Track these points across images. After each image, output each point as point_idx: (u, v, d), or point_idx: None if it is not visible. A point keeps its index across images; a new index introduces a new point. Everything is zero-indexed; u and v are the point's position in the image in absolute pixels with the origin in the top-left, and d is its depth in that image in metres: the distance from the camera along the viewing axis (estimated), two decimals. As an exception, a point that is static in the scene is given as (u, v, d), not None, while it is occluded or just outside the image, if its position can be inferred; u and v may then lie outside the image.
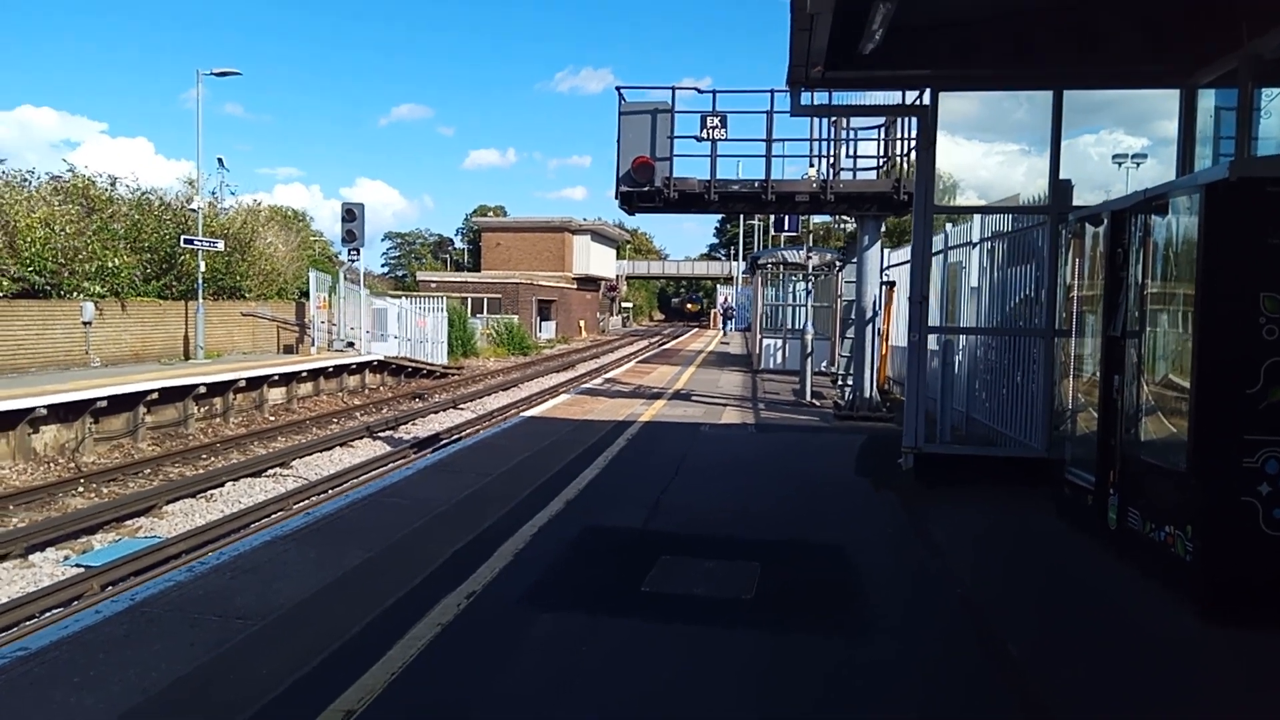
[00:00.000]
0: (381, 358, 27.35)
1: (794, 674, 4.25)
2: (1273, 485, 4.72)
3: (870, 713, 3.88)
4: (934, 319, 12.98)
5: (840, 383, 16.12)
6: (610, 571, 5.74)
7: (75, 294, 20.96)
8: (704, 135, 13.19)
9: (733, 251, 76.79)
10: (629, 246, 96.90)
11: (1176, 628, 4.83)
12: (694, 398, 16.22)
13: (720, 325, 58.20)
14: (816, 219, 27.12)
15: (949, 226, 13.49)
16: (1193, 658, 4.52)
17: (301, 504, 12.45)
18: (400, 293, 43.80)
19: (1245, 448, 4.73)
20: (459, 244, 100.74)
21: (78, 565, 9.85)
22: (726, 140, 13.35)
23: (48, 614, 8.38)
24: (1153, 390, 5.55)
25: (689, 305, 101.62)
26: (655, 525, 6.91)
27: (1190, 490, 4.98)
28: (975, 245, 11.50)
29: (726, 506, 7.58)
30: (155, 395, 17.06)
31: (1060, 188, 8.27)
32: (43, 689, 3.82)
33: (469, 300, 49.25)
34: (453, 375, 30.56)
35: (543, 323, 56.22)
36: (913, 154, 11.68)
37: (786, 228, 26.12)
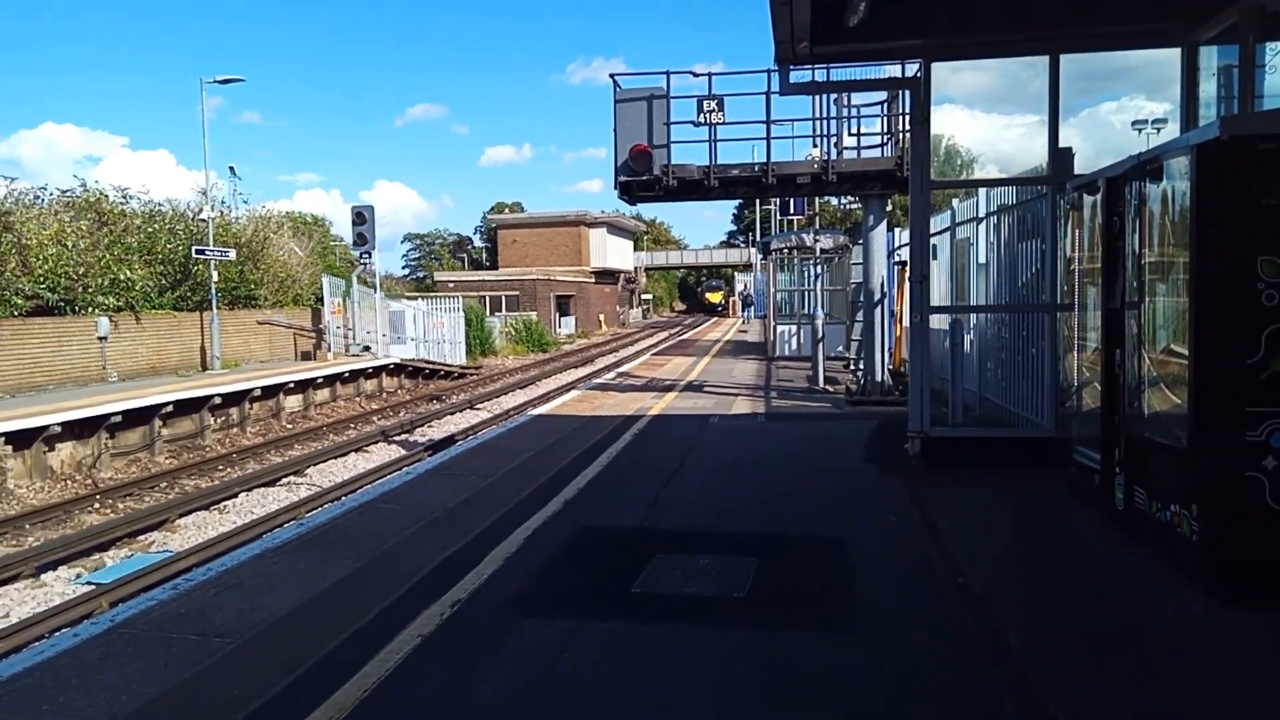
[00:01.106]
0: (399, 360, 27.40)
1: (781, 673, 4.11)
2: (1278, 459, 4.49)
3: (861, 708, 3.73)
4: (943, 297, 12.77)
5: (853, 367, 15.91)
6: (602, 573, 5.62)
7: (90, 309, 21.12)
8: (701, 120, 13.02)
9: (751, 238, 76.33)
10: (647, 238, 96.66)
11: (1182, 611, 4.63)
12: (706, 389, 16.06)
13: (741, 313, 57.93)
14: (833, 200, 26.71)
15: (956, 202, 13.22)
16: (1198, 642, 4.32)
17: (313, 512, 12.44)
18: (419, 294, 43.93)
19: (1248, 420, 4.51)
20: (478, 242, 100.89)
21: (88, 583, 9.89)
22: (725, 124, 13.18)
23: (58, 634, 8.40)
24: (1154, 363, 5.33)
25: (707, 295, 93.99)
26: (652, 523, 6.78)
27: (1193, 467, 4.77)
28: (981, 220, 11.24)
29: (727, 501, 7.44)
30: (170, 408, 17.16)
31: (1060, 156, 8.01)
32: (8, 718, 3.76)
33: (487, 299, 49.32)
34: (471, 375, 30.59)
35: (562, 318, 56.19)
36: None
37: (792, 211, 25.80)
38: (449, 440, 17.58)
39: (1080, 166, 7.91)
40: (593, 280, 65.60)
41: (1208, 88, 7.82)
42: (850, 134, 14.07)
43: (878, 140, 14.41)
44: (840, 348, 19.57)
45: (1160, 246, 5.27)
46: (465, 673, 4.16)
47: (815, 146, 14.84)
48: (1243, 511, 4.54)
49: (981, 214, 11.23)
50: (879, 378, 13.46)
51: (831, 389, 15.07)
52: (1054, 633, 4.50)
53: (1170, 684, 3.89)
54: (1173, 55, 7.96)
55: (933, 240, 10.85)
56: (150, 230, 25.17)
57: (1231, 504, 4.58)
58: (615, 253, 71.27)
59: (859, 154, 14.10)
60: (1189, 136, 5.17)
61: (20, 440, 14.13)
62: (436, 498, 7.62)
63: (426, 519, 6.93)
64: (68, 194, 24.68)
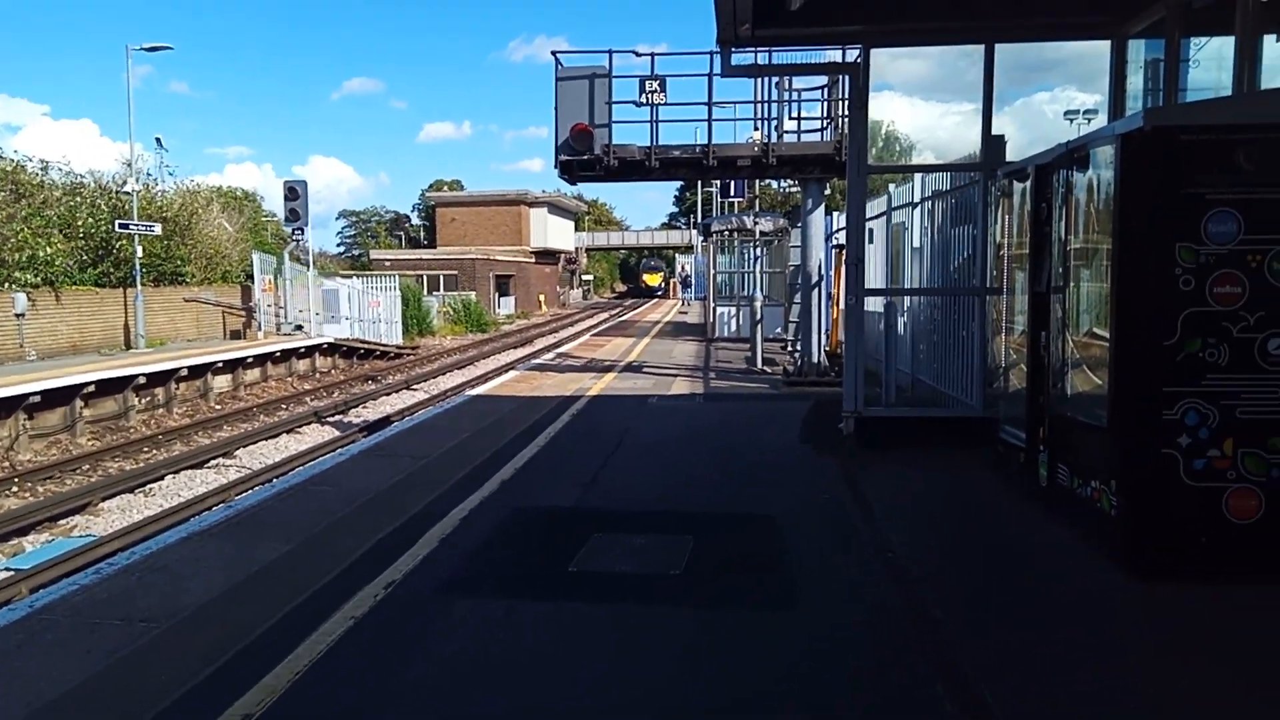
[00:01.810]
0: (332, 340, 26.88)
1: (715, 649, 4.15)
2: (1192, 437, 4.69)
3: (791, 685, 3.80)
4: (879, 280, 12.98)
5: (791, 348, 16.10)
6: (538, 553, 5.61)
7: (6, 285, 20.27)
8: (643, 100, 12.98)
9: (692, 220, 76.39)
10: (589, 218, 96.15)
11: (1102, 583, 4.81)
12: (645, 369, 16.10)
13: (681, 294, 58.07)
14: (774, 184, 26.94)
15: (892, 187, 13.42)
16: (1117, 613, 4.49)
17: (243, 495, 12.16)
18: (354, 272, 43.18)
19: (1164, 400, 4.69)
20: (415, 221, 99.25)
21: (6, 569, 9.54)
22: (666, 105, 13.17)
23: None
24: (1077, 345, 5.50)
25: (645, 276, 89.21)
26: (590, 503, 6.78)
27: (1112, 444, 4.95)
28: (917, 205, 11.44)
29: (665, 480, 7.48)
30: (92, 388, 16.57)
31: (993, 144, 8.17)
32: (-86, 709, 3.61)
33: (424, 278, 48.58)
34: (408, 355, 30.17)
35: (501, 298, 55.71)
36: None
37: (733, 193, 25.95)
38: (384, 421, 17.33)
39: (1015, 154, 8.08)
40: (533, 260, 65.10)
41: (1135, 80, 8.06)
42: (791, 118, 14.19)
43: (818, 125, 14.56)
44: (779, 329, 19.78)
45: (1085, 233, 5.43)
46: (399, 653, 4.12)
47: (756, 130, 14.93)
48: (1159, 487, 4.73)
49: (917, 199, 11.43)
50: (816, 359, 13.65)
51: (769, 370, 15.23)
52: (978, 605, 4.65)
53: (1089, 652, 4.04)
54: (1103, 48, 8.18)
55: (869, 224, 11.03)
56: (71, 203, 24.24)
57: (1148, 480, 4.76)
58: (556, 233, 70.81)
59: (799, 138, 14.22)
60: (1114, 126, 5.32)
61: (-70, 421, 13.53)
62: (371, 479, 7.51)
63: (360, 501, 6.83)
64: (-19, 164, 23.63)
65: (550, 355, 20.50)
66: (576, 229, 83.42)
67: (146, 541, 5.98)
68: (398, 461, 8.21)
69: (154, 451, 15.33)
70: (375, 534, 5.91)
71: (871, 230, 12.64)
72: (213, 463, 14.42)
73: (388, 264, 51.06)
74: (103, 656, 4.12)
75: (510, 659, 4.08)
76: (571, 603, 4.77)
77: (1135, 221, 4.76)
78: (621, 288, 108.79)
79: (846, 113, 13.68)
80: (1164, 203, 4.65)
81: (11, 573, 9.24)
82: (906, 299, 11.68)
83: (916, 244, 11.47)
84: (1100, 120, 9.19)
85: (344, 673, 3.95)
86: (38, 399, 15.25)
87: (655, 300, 67.18)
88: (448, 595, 4.85)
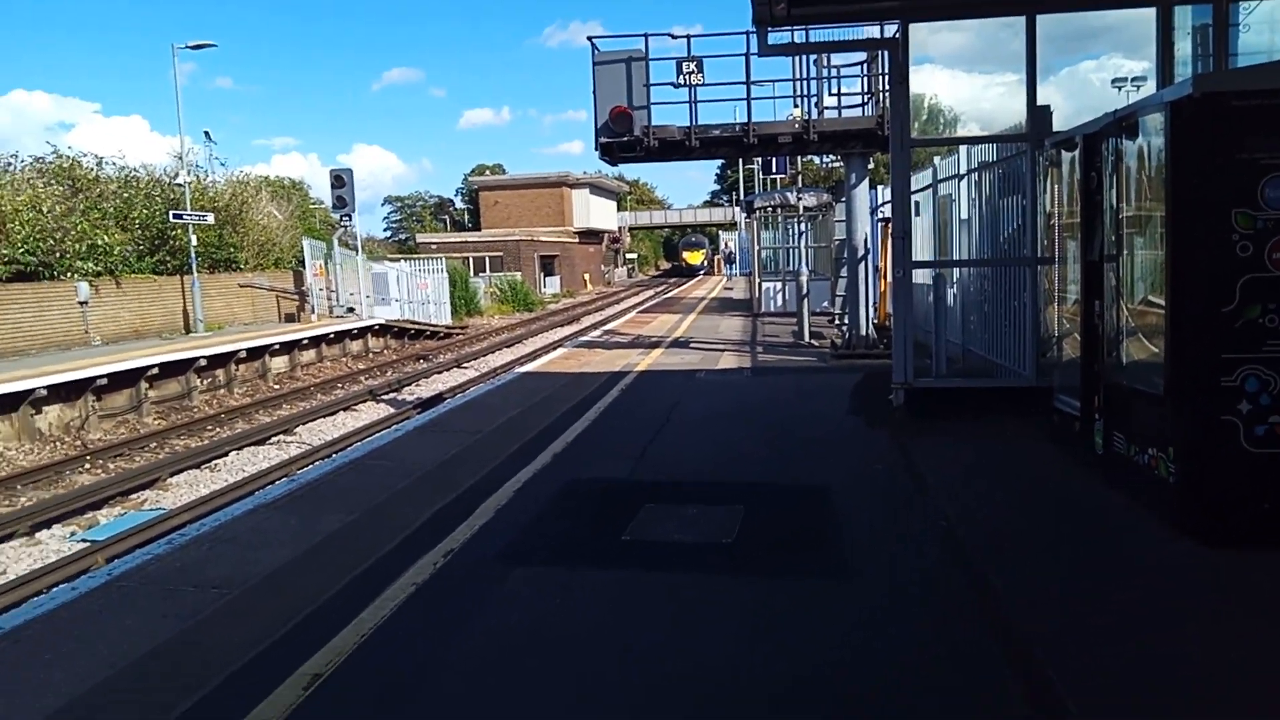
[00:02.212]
0: (383, 321, 27.32)
1: (769, 618, 4.22)
2: (1252, 403, 4.61)
3: (844, 654, 3.85)
4: (927, 253, 12.85)
5: (838, 322, 16.02)
6: (592, 523, 5.72)
7: (69, 274, 20.94)
8: (681, 81, 12.96)
9: (734, 197, 75.81)
10: (630, 198, 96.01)
11: (1161, 551, 4.77)
12: (692, 344, 16.14)
13: (725, 271, 57.83)
14: (816, 159, 26.60)
15: (938, 160, 13.25)
16: (1176, 580, 4.45)
17: (304, 470, 12.50)
18: (401, 256, 43.72)
19: (1223, 366, 4.62)
20: (459, 204, 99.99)
21: (83, 540, 9.96)
22: (704, 85, 13.15)
23: (55, 589, 8.47)
24: (1132, 313, 5.43)
25: (685, 254, 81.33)
26: (641, 475, 6.88)
27: (1170, 411, 4.89)
28: (963, 177, 11.29)
29: (714, 452, 7.55)
30: (156, 370, 17.09)
31: (1038, 114, 8.03)
32: (11, 668, 3.84)
33: (470, 260, 49.03)
34: (457, 335, 30.55)
35: (546, 278, 56.02)
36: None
37: (774, 170, 25.73)
38: (437, 398, 17.64)
39: (1061, 124, 7.94)
40: (576, 240, 65.31)
41: (1183, 46, 7.86)
42: (831, 94, 14.06)
43: (858, 100, 14.40)
44: (825, 303, 19.66)
45: (1137, 201, 5.35)
46: (459, 619, 4.27)
47: (796, 106, 14.82)
48: (1218, 454, 4.67)
49: (963, 171, 11.28)
50: (864, 331, 13.58)
51: (817, 343, 15.17)
52: (1036, 573, 4.63)
53: (1148, 619, 4.03)
54: (1149, 14, 7.98)
55: (915, 197, 10.93)
56: (126, 196, 24.88)
57: (1207, 447, 4.70)
58: (598, 213, 70.88)
59: (840, 114, 14.08)
60: (1163, 94, 5.22)
61: (7, 403, 14.10)
62: (426, 454, 7.69)
63: (417, 474, 7.01)
64: (40, 161, 24.33)
65: (597, 333, 20.62)
66: (619, 209, 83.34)
67: (215, 514, 6.22)
68: (452, 436, 8.39)
69: (217, 429, 15.80)
70: (433, 505, 6.08)
71: (917, 203, 12.51)
72: (274, 439, 14.82)
73: (434, 247, 51.62)
74: (178, 620, 4.33)
75: (566, 626, 4.20)
76: (625, 571, 4.87)
77: (1189, 189, 4.68)
78: (665, 265, 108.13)
79: (887, 88, 13.57)
80: (1218, 169, 4.56)
81: (88, 544, 9.65)
82: (956, 271, 11.56)
83: (964, 215, 11.33)
84: (1149, 88, 8.98)
85: (406, 637, 4.10)
86: (104, 381, 15.79)
87: (699, 278, 66.57)
88: (505, 564, 4.98)
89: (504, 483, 6.63)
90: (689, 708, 3.46)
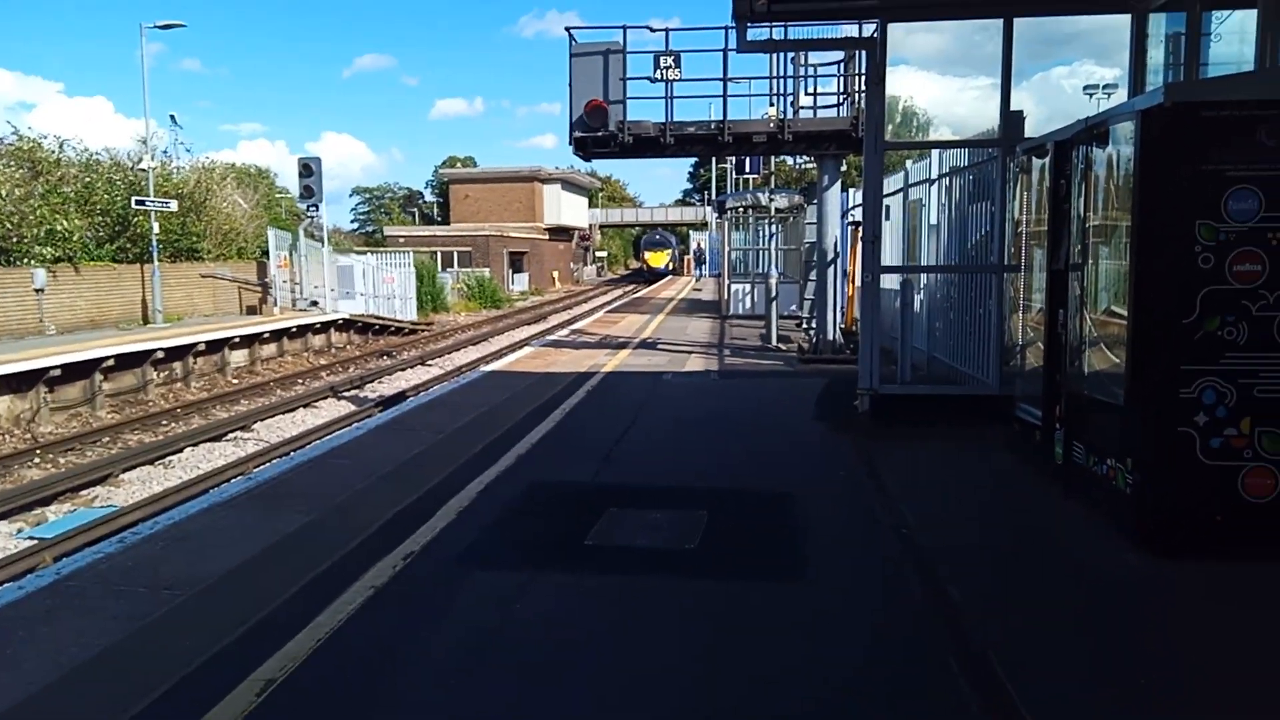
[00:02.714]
0: (347, 316, 27.01)
1: (729, 623, 4.20)
2: (1209, 415, 4.68)
3: (802, 661, 3.84)
4: (895, 258, 12.93)
5: (805, 326, 16.08)
6: (554, 526, 5.66)
7: (25, 260, 20.42)
8: (658, 76, 12.91)
9: (706, 197, 75.74)
10: (602, 195, 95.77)
11: (1117, 561, 4.82)
12: (660, 346, 16.12)
13: (694, 270, 57.66)
14: (790, 160, 26.69)
15: (909, 163, 13.34)
16: (1130, 591, 4.51)
17: (262, 468, 12.30)
18: (368, 249, 43.21)
19: (1182, 378, 4.67)
20: (429, 197, 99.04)
21: (30, 537, 9.70)
22: (681, 80, 13.10)
23: (1, 588, 8.24)
24: (1095, 323, 5.49)
25: (647, 254, 71.37)
26: (605, 478, 6.83)
27: (1129, 422, 4.94)
28: (934, 182, 11.37)
29: (680, 456, 7.53)
30: (111, 362, 16.73)
31: (1012, 119, 8.10)
32: (-50, 671, 3.71)
33: (439, 254, 48.60)
34: (422, 331, 30.29)
35: (515, 275, 55.70)
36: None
37: (748, 170, 25.79)
38: (400, 396, 17.45)
39: (1032, 130, 8.01)
40: (546, 237, 65.00)
41: (1156, 54, 7.96)
42: (807, 94, 14.09)
43: (834, 100, 14.45)
44: (793, 306, 19.73)
45: (1104, 210, 5.40)
46: (419, 622, 4.20)
47: (772, 105, 14.83)
48: (1175, 465, 4.73)
49: (934, 175, 11.36)
50: (831, 336, 13.64)
51: (784, 347, 15.22)
52: (993, 581, 4.68)
53: (1104, 630, 4.08)
54: (1123, 21, 8.07)
55: (886, 201, 10.97)
56: (87, 180, 24.32)
57: (1165, 458, 4.76)
58: (570, 209, 70.59)
59: (815, 114, 14.11)
60: (1135, 102, 5.27)
61: (-47, 393, 13.72)
62: (388, 453, 7.58)
63: (377, 474, 6.91)
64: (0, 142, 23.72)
65: (564, 332, 20.54)
66: (590, 205, 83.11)
67: (168, 512, 6.08)
68: (414, 436, 8.28)
69: (173, 425, 15.50)
70: (393, 506, 5.98)
71: (888, 207, 12.58)
72: (231, 436, 14.56)
73: (402, 240, 51.10)
74: (129, 622, 4.21)
75: (527, 630, 4.14)
76: (587, 575, 4.82)
77: (1155, 198, 4.73)
78: (635, 264, 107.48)
79: (863, 88, 13.64)
80: (1184, 180, 4.61)
81: (36, 541, 9.40)
82: (923, 276, 11.64)
83: (933, 221, 11.42)
84: (1120, 95, 9.09)
85: (364, 640, 4.02)
86: (58, 373, 15.42)
87: (668, 279, 64.79)
88: (465, 566, 4.91)
89: (466, 484, 6.54)
90: (646, 712, 3.42)
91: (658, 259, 69.17)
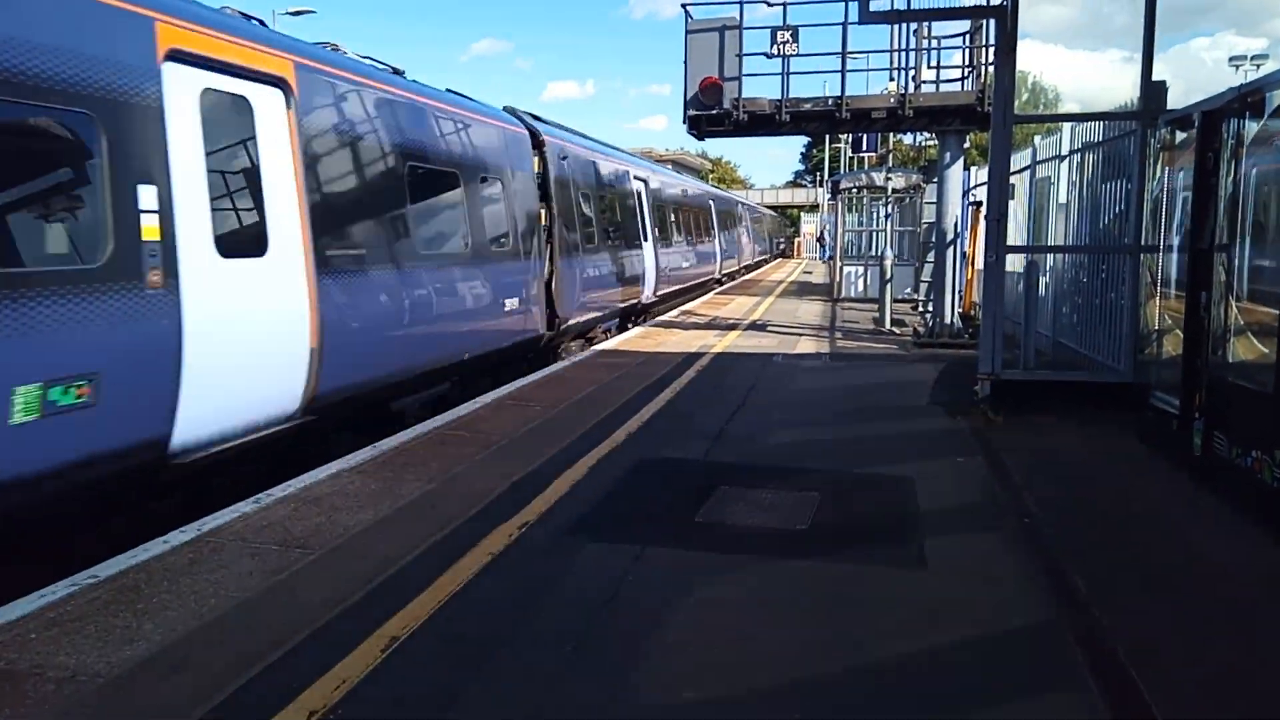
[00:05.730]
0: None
1: (836, 605, 4.15)
2: (1373, 407, 4.33)
3: (914, 646, 3.76)
4: (1020, 238, 12.40)
5: (922, 309, 15.64)
6: (665, 502, 5.70)
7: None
8: (774, 51, 12.71)
9: (819, 178, 74.23)
10: (712, 176, 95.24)
11: (1259, 559, 4.54)
12: (769, 328, 15.96)
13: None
14: (907, 139, 25.91)
15: (1037, 140, 12.76)
16: (1274, 591, 4.23)
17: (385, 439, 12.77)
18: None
19: (1343, 367, 4.34)
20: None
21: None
22: (798, 55, 12.86)
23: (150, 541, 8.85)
24: (1242, 308, 5.14)
25: None
26: (715, 457, 6.83)
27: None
28: (1064, 158, 10.84)
29: (791, 437, 7.45)
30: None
31: (1153, 90, 7.65)
32: (105, 616, 4.00)
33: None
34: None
35: (625, 256, 55.93)
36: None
37: (865, 148, 25.13)
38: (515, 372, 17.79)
39: (1169, 104, 7.55)
40: (657, 219, 64.98)
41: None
42: (930, 66, 13.61)
43: (957, 74, 13.92)
44: (908, 289, 19.21)
45: (1258, 185, 5.04)
46: (532, 590, 4.30)
47: (892, 80, 14.41)
48: (1330, 460, 4.41)
49: (1064, 152, 10.83)
50: (948, 320, 13.22)
51: (898, 331, 14.84)
52: (1122, 576, 4.46)
53: (1238, 629, 3.84)
54: (1266, -10, 7.50)
55: (1011, 179, 10.53)
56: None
57: (1319, 452, 4.44)
58: (681, 191, 70.33)
59: (937, 88, 13.63)
60: (1297, 67, 4.89)
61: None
62: (503, 427, 7.77)
63: (493, 446, 7.09)
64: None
65: (673, 313, 20.55)
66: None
67: (299, 477, 6.37)
68: (529, 410, 8.45)
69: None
70: (509, 477, 6.13)
71: (1013, 186, 12.06)
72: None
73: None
74: (263, 578, 4.45)
75: (637, 602, 4.19)
76: (698, 551, 4.84)
77: (1318, 171, 4.39)
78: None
79: (991, 60, 13.07)
80: (1353, 151, 4.26)
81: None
82: (1049, 258, 11.13)
83: (1062, 199, 10.89)
84: (1270, 66, 8.46)
85: (481, 604, 4.15)
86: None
87: (778, 260, 64.32)
88: (578, 537, 5.00)
89: (579, 458, 6.65)
90: (761, 687, 3.42)
91: None
